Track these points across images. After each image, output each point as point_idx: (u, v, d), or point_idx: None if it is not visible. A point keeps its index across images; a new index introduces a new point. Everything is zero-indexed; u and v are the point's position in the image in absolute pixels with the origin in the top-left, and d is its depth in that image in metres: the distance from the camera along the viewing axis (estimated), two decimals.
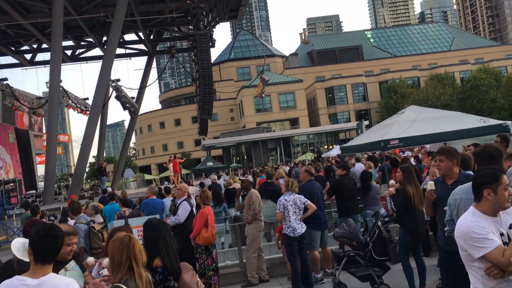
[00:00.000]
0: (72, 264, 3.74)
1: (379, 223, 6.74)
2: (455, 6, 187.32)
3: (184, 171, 44.75)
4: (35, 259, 2.84)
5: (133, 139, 76.58)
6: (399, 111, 13.25)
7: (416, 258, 6.56)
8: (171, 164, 24.60)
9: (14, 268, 3.64)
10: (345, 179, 8.58)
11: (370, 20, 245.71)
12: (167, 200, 10.82)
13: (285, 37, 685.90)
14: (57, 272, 3.45)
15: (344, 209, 8.40)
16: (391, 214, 7.23)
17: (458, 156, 4.97)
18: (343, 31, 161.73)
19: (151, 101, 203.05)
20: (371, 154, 20.37)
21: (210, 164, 39.70)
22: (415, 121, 10.87)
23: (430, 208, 5.22)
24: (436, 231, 7.69)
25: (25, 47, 27.94)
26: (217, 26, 28.19)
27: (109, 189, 19.42)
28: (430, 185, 5.03)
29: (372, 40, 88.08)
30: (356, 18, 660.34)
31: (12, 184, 20.58)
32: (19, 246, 4.87)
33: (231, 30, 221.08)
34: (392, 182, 7.58)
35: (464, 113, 12.85)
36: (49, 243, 2.85)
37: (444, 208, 4.59)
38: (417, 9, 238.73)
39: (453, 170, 4.91)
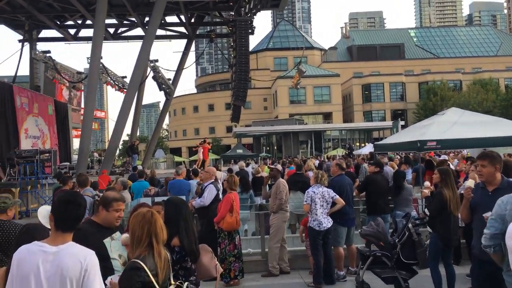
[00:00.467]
0: (118, 234, 3.69)
1: (410, 225, 6.47)
2: (505, 11, 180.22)
3: (213, 156, 45.03)
4: (56, 226, 2.78)
5: (166, 120, 77.64)
6: (437, 113, 12.78)
7: (446, 265, 6.28)
8: (201, 148, 24.70)
9: (22, 230, 3.64)
10: (378, 177, 8.31)
11: (415, 19, 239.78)
12: (194, 182, 10.81)
13: (326, 30, 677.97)
14: (103, 239, 3.41)
15: (373, 207, 8.14)
16: (422, 217, 6.93)
17: (501, 162, 4.69)
18: (385, 28, 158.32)
19: (186, 85, 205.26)
20: (404, 154, 19.88)
21: (239, 151, 39.77)
22: (455, 124, 10.45)
23: (466, 210, 4.91)
24: (469, 239, 7.38)
25: (70, 22, 28.43)
26: (258, 14, 27.91)
27: (140, 167, 19.63)
28: (470, 182, 4.75)
29: (415, 39, 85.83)
30: (400, 16, 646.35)
31: (47, 155, 21.04)
32: (45, 214, 4.89)
33: (271, 20, 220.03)
34: (427, 183, 7.26)
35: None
36: (70, 211, 2.78)
37: (484, 215, 4.32)
38: (465, 11, 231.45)
39: (496, 176, 4.64)
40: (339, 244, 7.71)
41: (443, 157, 18.14)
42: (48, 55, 24.70)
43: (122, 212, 3.62)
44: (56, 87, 31.11)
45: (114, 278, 3.03)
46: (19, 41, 27.33)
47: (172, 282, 3.05)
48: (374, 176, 8.39)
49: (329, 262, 7.32)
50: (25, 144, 23.01)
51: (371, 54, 78.39)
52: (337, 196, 7.27)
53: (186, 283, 3.17)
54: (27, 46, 27.55)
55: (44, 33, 29.48)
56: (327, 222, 7.16)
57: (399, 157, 19.26)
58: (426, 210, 6.78)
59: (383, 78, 69.44)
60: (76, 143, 33.64)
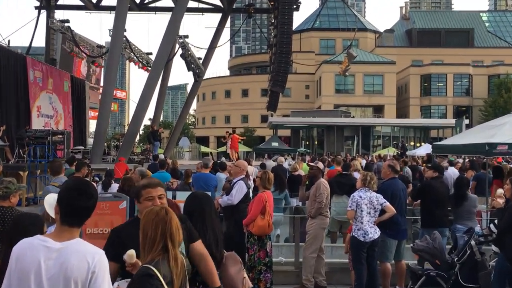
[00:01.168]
0: None
1: (473, 242, 6.28)
2: None
3: (244, 148, 45.09)
4: (62, 219, 2.74)
5: (194, 105, 78.38)
6: (508, 113, 12.31)
7: None
8: (230, 139, 24.76)
9: (14, 220, 3.66)
10: (437, 183, 8.05)
11: (489, 1, 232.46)
12: (222, 176, 10.80)
13: (382, 10, 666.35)
14: None
15: (429, 219, 7.89)
16: (487, 233, 6.68)
17: None
18: (452, 10, 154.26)
19: (218, 66, 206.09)
20: (467, 158, 19.31)
21: (275, 144, 39.62)
22: None
23: None
24: None
25: None
26: None
27: (161, 156, 19.84)
28: None
29: (487, 24, 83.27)
30: None
31: (60, 136, 21.44)
32: (52, 202, 4.93)
33: None
34: (500, 191, 6.96)
35: None
36: (78, 202, 2.72)
37: None
38: None
39: None
40: (387, 259, 7.52)
41: None
42: (66, 24, 25.24)
43: (158, 199, 3.51)
44: (73, 62, 31.87)
45: (122, 285, 2.99)
46: (36, 8, 28.03)
47: None
48: (433, 182, 8.14)
49: (373, 279, 7.16)
50: (37, 123, 23.62)
51: (434, 40, 76.53)
52: (387, 203, 7.07)
53: None
54: (43, 14, 28.20)
55: (63, 0, 30.15)
56: (374, 233, 6.99)
57: (461, 161, 18.73)
58: (491, 225, 6.53)
59: (446, 69, 67.77)
60: (92, 125, 34.35)
